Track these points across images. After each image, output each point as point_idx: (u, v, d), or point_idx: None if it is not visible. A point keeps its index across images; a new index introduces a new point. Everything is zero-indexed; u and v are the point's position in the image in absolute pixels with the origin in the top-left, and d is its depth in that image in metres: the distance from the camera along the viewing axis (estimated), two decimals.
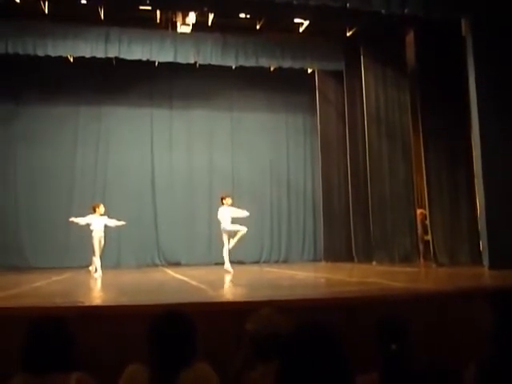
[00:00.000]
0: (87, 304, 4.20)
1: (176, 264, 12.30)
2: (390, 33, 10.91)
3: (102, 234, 9.27)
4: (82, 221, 9.28)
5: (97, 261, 9.16)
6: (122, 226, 9.56)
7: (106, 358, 3.08)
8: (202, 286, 6.42)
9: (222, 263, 9.47)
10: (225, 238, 9.41)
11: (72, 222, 9.37)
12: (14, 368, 2.30)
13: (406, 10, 8.60)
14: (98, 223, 9.20)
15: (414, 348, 2.67)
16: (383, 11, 8.68)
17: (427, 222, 10.56)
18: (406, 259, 10.98)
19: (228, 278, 8.25)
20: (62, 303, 4.23)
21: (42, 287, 6.79)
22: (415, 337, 2.76)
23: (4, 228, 11.76)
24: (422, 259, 11.41)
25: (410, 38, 11.09)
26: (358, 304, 4.04)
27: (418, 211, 11.81)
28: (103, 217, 9.33)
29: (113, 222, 9.40)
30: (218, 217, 9.50)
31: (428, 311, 4.20)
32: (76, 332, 2.41)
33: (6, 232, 11.78)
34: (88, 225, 9.21)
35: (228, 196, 9.72)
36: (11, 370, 2.30)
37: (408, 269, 9.18)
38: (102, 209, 9.35)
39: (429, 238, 10.44)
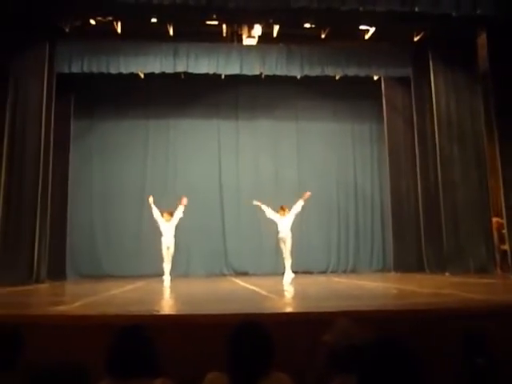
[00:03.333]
0: (163, 313, 4.32)
1: (243, 274, 12.38)
2: (460, 35, 10.56)
3: (172, 241, 9.54)
4: (155, 212, 9.58)
5: (166, 268, 9.43)
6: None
7: (185, 366, 3.14)
8: (273, 296, 6.43)
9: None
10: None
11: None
12: (100, 373, 2.39)
13: (478, 11, 8.31)
14: (166, 230, 9.49)
15: (499, 363, 2.56)
16: (454, 13, 8.43)
17: (504, 231, 10.08)
18: (482, 270, 10.50)
19: (297, 288, 8.22)
20: (139, 311, 4.37)
21: (117, 295, 7.04)
22: (499, 351, 2.64)
23: (81, 238, 12.31)
24: (499, 270, 10.87)
25: (481, 39, 10.67)
26: (436, 317, 3.90)
27: (494, 220, 11.29)
28: (172, 222, 9.60)
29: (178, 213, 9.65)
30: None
31: (509, 325, 3.99)
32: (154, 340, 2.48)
33: (83, 242, 12.32)
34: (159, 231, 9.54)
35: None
36: (97, 374, 2.39)
37: (485, 280, 8.78)
38: (166, 215, 9.65)
39: (506, 247, 9.95)
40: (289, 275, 9.57)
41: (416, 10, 8.35)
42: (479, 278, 9.10)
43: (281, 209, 10.26)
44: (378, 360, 1.76)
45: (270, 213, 10.18)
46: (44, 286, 9.66)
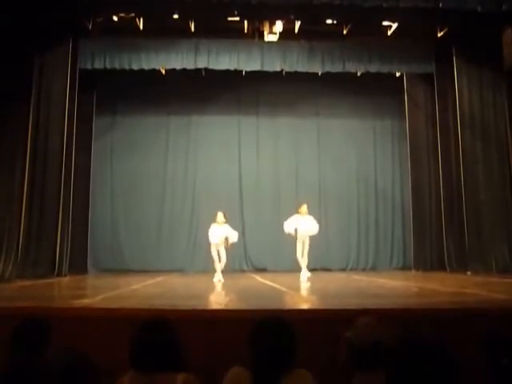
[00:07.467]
0: (186, 307, 4.34)
1: (262, 270, 12.40)
2: (484, 31, 10.38)
3: (221, 244, 9.25)
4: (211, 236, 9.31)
5: (217, 267, 9.20)
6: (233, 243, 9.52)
7: (207, 361, 3.15)
8: (292, 293, 6.43)
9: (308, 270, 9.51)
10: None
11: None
12: (123, 366, 2.41)
13: (503, 7, 8.17)
14: (216, 232, 9.25)
15: None
16: (479, 9, 8.30)
17: None
18: (505, 270, 10.34)
19: (318, 286, 8.19)
20: (162, 305, 4.40)
21: (139, 290, 7.11)
22: None
23: (102, 233, 12.45)
24: None
25: (506, 35, 10.49)
26: (460, 316, 3.86)
27: None
28: (225, 226, 9.36)
29: (233, 236, 9.38)
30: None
31: None
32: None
33: (104, 237, 12.46)
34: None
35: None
36: (120, 367, 2.41)
37: (508, 280, 8.65)
38: (219, 217, 9.37)
39: None
40: (305, 274, 9.40)
41: (440, 5, 8.23)
42: (502, 278, 8.97)
43: (299, 207, 9.91)
44: (409, 357, 1.75)
45: (289, 223, 9.78)
46: (66, 280, 9.81)
